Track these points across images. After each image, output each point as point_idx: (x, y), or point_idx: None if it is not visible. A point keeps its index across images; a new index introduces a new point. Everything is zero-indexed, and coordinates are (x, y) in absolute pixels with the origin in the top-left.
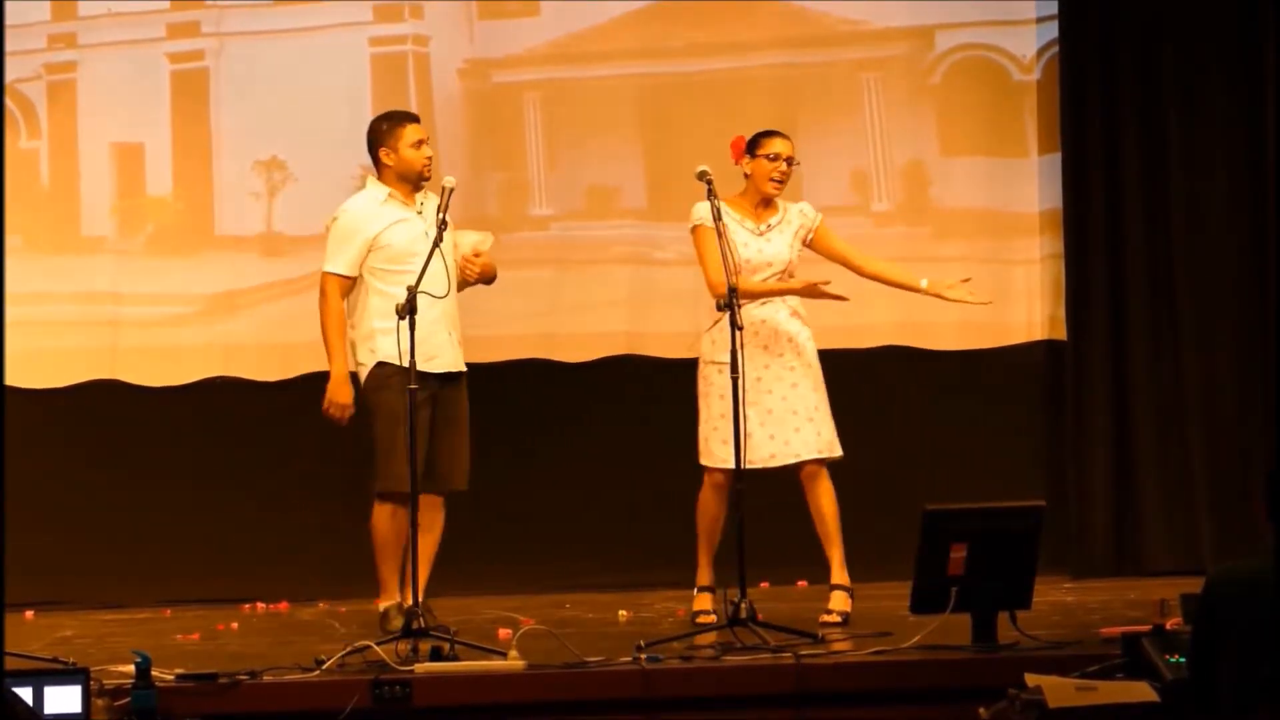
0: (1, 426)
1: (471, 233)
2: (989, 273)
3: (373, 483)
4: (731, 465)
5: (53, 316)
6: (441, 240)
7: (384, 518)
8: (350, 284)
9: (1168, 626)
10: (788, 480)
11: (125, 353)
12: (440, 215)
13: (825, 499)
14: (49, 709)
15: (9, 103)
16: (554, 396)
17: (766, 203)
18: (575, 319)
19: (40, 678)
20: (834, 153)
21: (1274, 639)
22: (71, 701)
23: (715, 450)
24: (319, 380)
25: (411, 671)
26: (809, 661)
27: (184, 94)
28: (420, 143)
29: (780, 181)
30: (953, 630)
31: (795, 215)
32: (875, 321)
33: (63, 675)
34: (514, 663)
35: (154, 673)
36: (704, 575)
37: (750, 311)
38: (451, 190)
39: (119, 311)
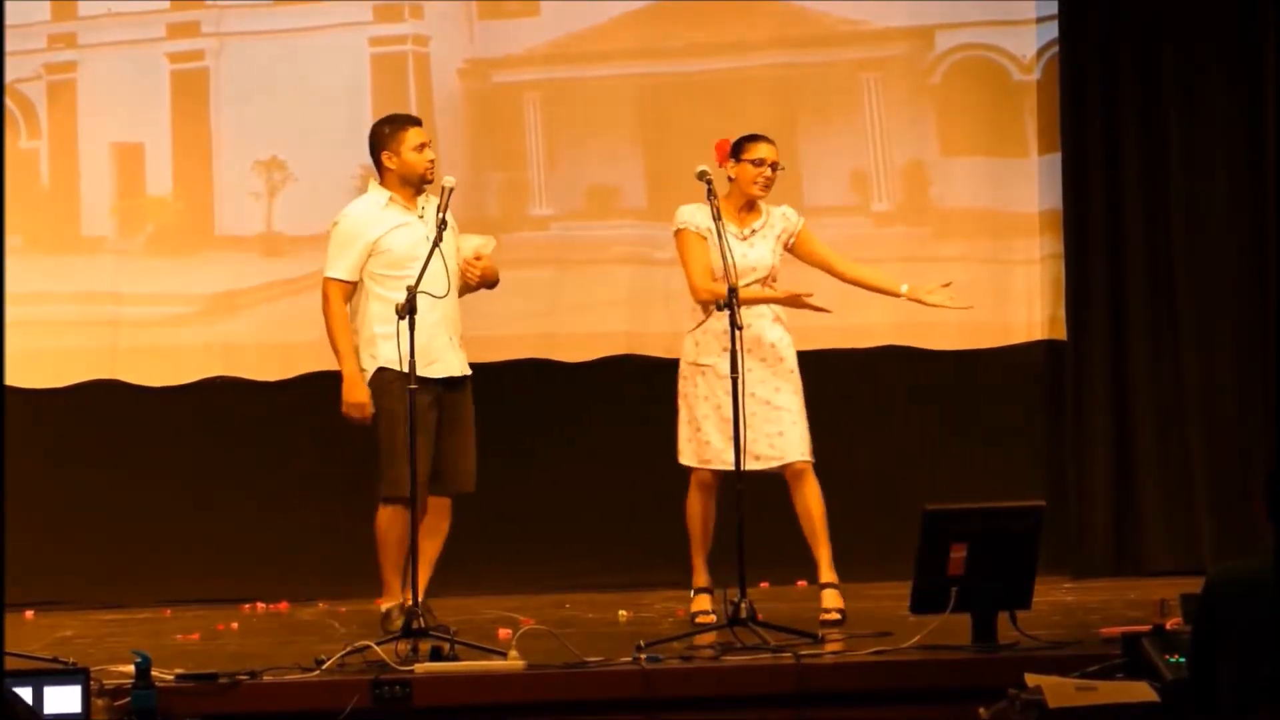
0: (1, 426)
1: (474, 237)
2: (989, 273)
3: (377, 485)
4: (715, 465)
5: (53, 316)
6: (441, 240)
7: (387, 519)
8: (352, 289)
9: (1168, 626)
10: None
11: (125, 353)
12: (440, 215)
13: (813, 498)
14: (49, 709)
15: (9, 103)
16: (554, 396)
17: (750, 206)
18: (575, 319)
19: (40, 678)
20: (834, 153)
21: (1274, 639)
22: (71, 701)
23: (698, 451)
24: (319, 380)
25: (411, 671)
26: (809, 661)
27: (184, 94)
28: (422, 146)
29: (765, 186)
30: (953, 630)
31: (778, 219)
32: (875, 321)
33: (63, 675)
34: (514, 663)
35: (154, 673)
36: (700, 577)
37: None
38: (451, 190)
39: (119, 311)
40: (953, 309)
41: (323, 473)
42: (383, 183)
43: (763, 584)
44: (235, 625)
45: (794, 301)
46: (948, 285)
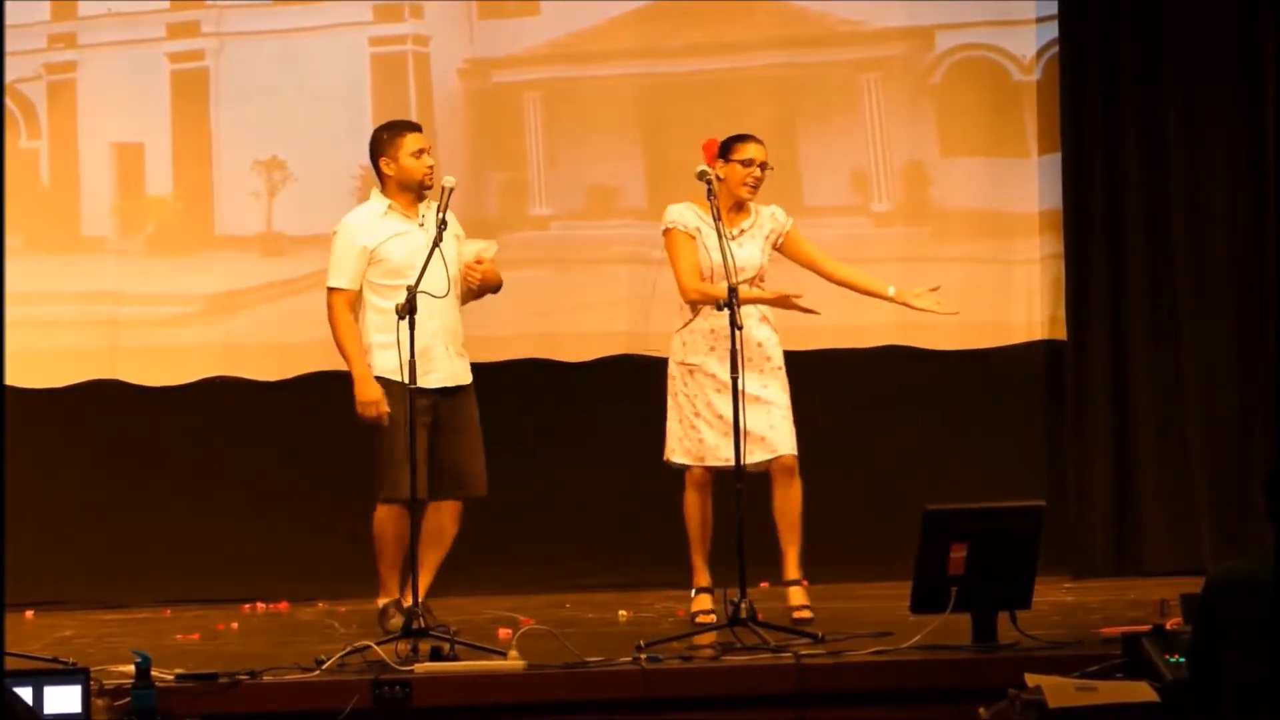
0: (2, 426)
1: (477, 241)
2: (989, 273)
3: (376, 489)
4: (709, 462)
5: (53, 316)
6: (441, 240)
7: (385, 518)
8: (355, 296)
9: (1168, 626)
10: None
11: (125, 353)
12: (440, 215)
13: (796, 495)
14: (49, 709)
15: (9, 103)
16: (554, 396)
17: (739, 206)
18: (575, 319)
19: (40, 678)
20: (834, 153)
21: (1274, 639)
22: (71, 701)
23: (693, 449)
24: (319, 380)
25: (411, 671)
26: (809, 661)
27: (184, 94)
28: (421, 151)
29: (754, 187)
30: (953, 630)
31: (767, 219)
32: (875, 321)
33: (63, 675)
34: (514, 663)
35: (154, 673)
36: (700, 576)
37: (723, 316)
38: (451, 190)
39: (119, 311)
40: (939, 314)
41: (323, 473)
42: (383, 190)
43: (763, 584)
44: (235, 625)
45: (783, 302)
46: (936, 289)
